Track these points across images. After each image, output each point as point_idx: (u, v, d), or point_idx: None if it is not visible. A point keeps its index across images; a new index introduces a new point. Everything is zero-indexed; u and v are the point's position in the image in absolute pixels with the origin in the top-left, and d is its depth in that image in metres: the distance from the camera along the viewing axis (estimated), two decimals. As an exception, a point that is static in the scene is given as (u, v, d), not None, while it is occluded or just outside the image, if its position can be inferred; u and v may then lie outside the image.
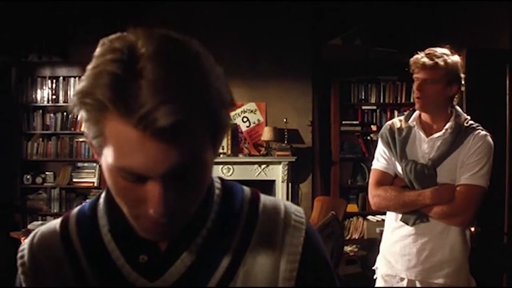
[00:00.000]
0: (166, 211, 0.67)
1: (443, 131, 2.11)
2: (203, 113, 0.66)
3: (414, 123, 2.18)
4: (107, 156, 0.67)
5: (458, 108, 2.16)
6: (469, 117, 2.16)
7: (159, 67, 0.64)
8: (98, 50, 0.68)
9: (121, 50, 0.66)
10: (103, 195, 0.83)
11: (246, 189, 0.88)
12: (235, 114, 5.74)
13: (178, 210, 0.69)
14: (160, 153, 0.65)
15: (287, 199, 5.65)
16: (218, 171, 5.59)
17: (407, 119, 2.22)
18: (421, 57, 2.09)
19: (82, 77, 0.67)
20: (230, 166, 5.61)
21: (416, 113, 2.20)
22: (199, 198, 0.74)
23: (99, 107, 0.65)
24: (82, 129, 0.79)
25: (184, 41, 0.70)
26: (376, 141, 2.33)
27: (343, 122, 5.78)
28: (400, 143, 2.17)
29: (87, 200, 0.91)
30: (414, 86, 2.10)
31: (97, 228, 0.79)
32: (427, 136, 2.15)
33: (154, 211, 0.67)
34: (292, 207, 0.88)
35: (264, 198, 0.87)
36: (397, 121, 2.26)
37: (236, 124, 5.74)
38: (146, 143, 0.64)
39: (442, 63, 2.05)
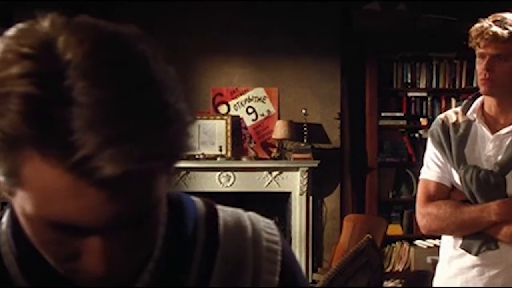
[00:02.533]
0: (110, 269, 0.67)
1: (514, 125, 2.11)
2: (161, 151, 0.65)
3: (475, 115, 2.15)
4: (25, 202, 0.65)
5: None
6: None
7: (97, 85, 0.61)
8: None
9: (35, 57, 0.61)
10: (5, 218, 0.81)
11: (197, 201, 0.88)
12: (237, 103, 5.76)
13: (125, 263, 0.69)
14: (102, 202, 0.63)
15: (307, 218, 5.66)
16: (214, 181, 5.61)
17: (465, 110, 2.18)
18: (488, 25, 2.05)
19: None
20: (229, 174, 5.63)
21: (477, 102, 2.16)
22: (153, 244, 0.76)
23: (10, 141, 0.61)
24: None
25: (124, 38, 0.66)
26: (426, 140, 2.33)
27: (383, 115, 5.78)
28: (456, 143, 2.16)
29: None
30: (480, 65, 2.08)
31: None
32: (492, 133, 2.12)
33: (94, 270, 0.67)
34: (260, 221, 0.89)
35: (222, 212, 0.88)
36: (452, 113, 2.24)
37: (238, 116, 5.76)
38: (84, 190, 0.63)
39: None
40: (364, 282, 3.70)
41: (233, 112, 5.76)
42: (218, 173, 5.60)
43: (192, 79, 5.57)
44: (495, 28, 2.03)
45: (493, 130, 2.13)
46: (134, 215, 0.67)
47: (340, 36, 5.75)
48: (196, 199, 0.89)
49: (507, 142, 2.10)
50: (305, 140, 5.62)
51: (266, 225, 0.89)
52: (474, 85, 5.53)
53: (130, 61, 0.65)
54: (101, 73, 0.62)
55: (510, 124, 2.11)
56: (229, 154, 5.63)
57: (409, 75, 5.85)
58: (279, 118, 5.72)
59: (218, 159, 5.56)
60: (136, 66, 0.65)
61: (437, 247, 2.17)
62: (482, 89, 2.11)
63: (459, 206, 2.13)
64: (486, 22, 2.07)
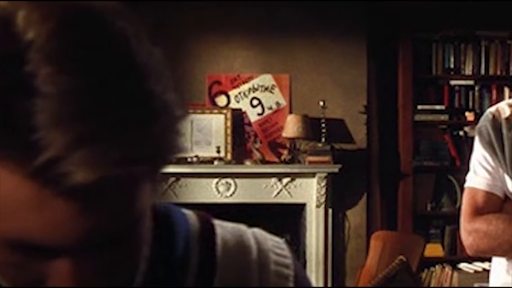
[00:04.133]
0: None
1: None
2: (145, 152, 0.65)
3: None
4: None
5: None
6: None
7: (65, 72, 0.61)
8: None
9: None
10: None
11: (190, 215, 0.88)
12: (239, 93, 5.76)
13: None
14: (71, 216, 0.63)
15: (326, 236, 5.66)
16: (210, 190, 5.61)
17: (521, 102, 2.20)
18: None
19: None
20: (229, 181, 5.63)
21: None
22: (135, 268, 0.76)
23: None
24: None
25: (99, 13, 0.65)
26: (473, 140, 2.33)
27: (419, 108, 5.78)
28: (510, 143, 2.17)
29: None
30: None
31: None
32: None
33: None
34: (267, 239, 0.89)
35: (221, 229, 0.88)
36: (505, 106, 2.24)
37: (240, 110, 5.76)
38: (49, 201, 0.63)
39: None
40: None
41: (234, 104, 5.77)
42: (216, 180, 5.61)
43: (183, 64, 5.58)
44: None
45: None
46: (111, 232, 0.66)
47: (366, 11, 5.75)
48: (188, 212, 0.88)
49: None
50: (323, 140, 5.62)
51: (275, 244, 0.89)
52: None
53: (106, 41, 0.64)
54: (70, 56, 0.61)
55: None
56: (229, 156, 5.64)
57: (452, 59, 5.85)
58: (290, 112, 5.73)
59: (216, 162, 5.57)
60: (113, 47, 0.65)
61: (486, 271, 2.17)
62: None
63: (514, 221, 2.13)
64: None
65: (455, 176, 5.70)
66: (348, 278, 5.74)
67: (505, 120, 2.21)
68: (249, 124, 5.77)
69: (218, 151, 5.60)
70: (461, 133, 5.84)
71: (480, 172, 2.23)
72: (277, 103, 5.78)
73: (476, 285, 5.29)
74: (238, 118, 5.74)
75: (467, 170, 2.28)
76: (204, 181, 5.61)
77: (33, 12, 0.63)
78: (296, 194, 5.67)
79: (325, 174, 5.59)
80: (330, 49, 5.74)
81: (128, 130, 0.62)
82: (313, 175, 5.61)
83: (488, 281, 2.33)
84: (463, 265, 5.69)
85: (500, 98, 5.64)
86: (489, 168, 2.21)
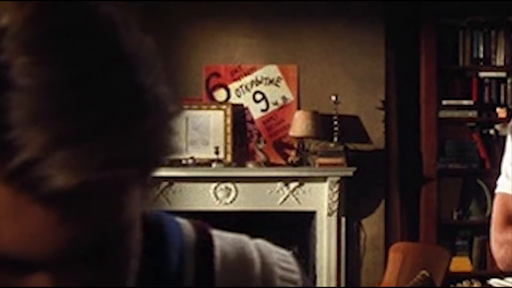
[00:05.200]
0: None
1: None
2: (134, 154, 0.65)
3: None
4: None
5: None
6: None
7: (44, 62, 0.61)
8: None
9: None
10: None
11: (184, 224, 0.88)
12: (241, 87, 5.76)
13: None
14: (51, 226, 0.64)
15: (338, 248, 5.66)
16: (208, 195, 5.61)
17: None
18: None
19: None
20: (230, 186, 5.64)
21: None
22: (122, 284, 0.76)
23: None
24: None
25: None
26: (505, 139, 2.33)
27: (444, 103, 5.78)
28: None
29: None
30: None
31: None
32: None
33: None
34: (272, 252, 0.89)
35: (220, 240, 0.88)
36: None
37: (241, 106, 5.77)
38: (25, 209, 0.63)
39: None
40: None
41: (234, 99, 5.78)
42: (214, 184, 5.62)
43: (177, 54, 5.58)
44: None
45: None
46: (95, 244, 0.66)
47: (384, -7, 5.75)
48: (182, 221, 0.88)
49: None
50: (335, 139, 5.63)
51: (280, 257, 0.89)
52: None
53: (90, 28, 0.64)
54: (49, 45, 0.61)
55: None
56: (228, 158, 5.65)
57: (481, 48, 5.85)
58: (299, 108, 5.74)
59: (214, 165, 5.58)
60: (98, 35, 0.64)
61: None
62: None
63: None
64: None
65: (485, 180, 5.70)
66: (364, 295, 5.75)
67: (542, 117, 2.21)
68: (252, 121, 5.78)
69: (217, 152, 5.60)
70: (491, 131, 5.83)
71: (512, 176, 2.23)
72: (284, 98, 5.79)
73: (508, 303, 5.29)
74: (239, 114, 5.74)
75: (498, 173, 2.28)
76: (200, 186, 5.61)
77: None
78: (305, 200, 5.67)
79: (337, 178, 5.59)
80: (343, 36, 5.74)
81: (115, 128, 0.62)
82: (324, 179, 5.62)
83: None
84: (493, 281, 5.67)
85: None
86: (523, 171, 2.22)
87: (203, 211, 5.42)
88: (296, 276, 0.88)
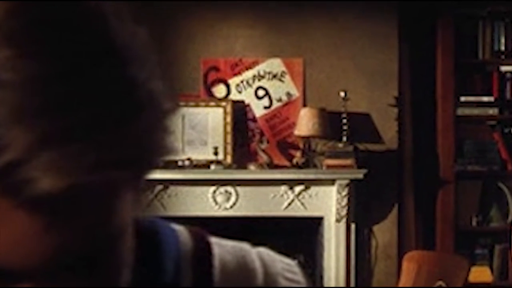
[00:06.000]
0: None
1: None
2: (126, 155, 0.65)
3: None
4: None
5: None
6: None
7: (28, 56, 0.61)
8: None
9: None
10: None
11: (181, 231, 0.88)
12: (241, 82, 5.77)
13: None
14: (36, 233, 0.64)
15: (347, 257, 5.66)
16: (206, 200, 5.62)
17: None
18: None
19: None
20: (230, 190, 5.64)
21: None
22: None
23: None
24: None
25: None
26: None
27: (462, 99, 5.78)
28: None
29: None
30: None
31: None
32: None
33: None
34: (276, 261, 0.90)
35: (219, 248, 0.88)
36: None
37: (243, 102, 5.77)
38: (8, 214, 0.63)
39: None
40: None
41: (235, 95, 5.78)
42: (213, 188, 5.63)
43: (173, 46, 5.59)
44: None
45: None
46: (84, 253, 0.67)
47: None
48: (179, 228, 0.89)
49: None
50: (344, 139, 5.63)
51: (285, 267, 0.89)
52: None
53: (78, 19, 0.64)
54: (34, 37, 0.62)
55: None
56: (228, 159, 5.65)
57: (503, 40, 5.85)
58: (304, 105, 5.74)
59: (213, 167, 5.58)
60: (87, 26, 0.65)
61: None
62: None
63: None
64: None
65: (507, 183, 5.70)
66: (375, 308, 5.76)
67: None
68: (254, 119, 5.78)
69: (216, 153, 5.61)
70: (514, 130, 5.84)
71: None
72: (288, 94, 5.79)
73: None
74: (240, 112, 5.75)
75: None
76: (198, 189, 5.62)
77: None
78: (311, 205, 5.68)
79: (346, 181, 5.60)
80: (353, 27, 5.75)
81: (105, 127, 0.63)
82: (332, 182, 5.62)
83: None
84: (516, 293, 5.68)
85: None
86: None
87: (200, 217, 5.42)
88: (302, 286, 0.88)
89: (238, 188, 5.64)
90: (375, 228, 5.78)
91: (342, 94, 5.59)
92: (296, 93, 5.79)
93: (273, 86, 5.79)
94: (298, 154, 5.72)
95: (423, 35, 5.79)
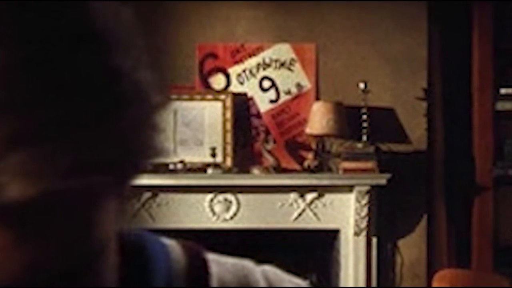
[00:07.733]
0: None
1: None
2: (108, 157, 0.65)
3: None
4: None
5: None
6: None
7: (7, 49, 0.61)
8: None
9: None
10: None
11: (172, 246, 0.89)
12: (244, 71, 5.79)
13: None
14: (5, 247, 0.64)
15: (368, 275, 5.67)
16: (202, 210, 5.63)
17: None
18: None
19: None
20: (230, 198, 5.65)
21: None
22: None
23: None
24: None
25: None
26: None
27: (502, 92, 5.79)
28: None
29: None
30: None
31: None
32: None
33: None
34: (284, 281, 0.91)
35: (217, 266, 0.89)
36: None
37: (245, 95, 5.78)
38: None
39: None
40: None
41: (236, 87, 5.80)
42: (210, 196, 5.65)
43: (164, 30, 5.60)
44: None
45: None
46: (59, 271, 0.67)
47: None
48: (170, 243, 0.89)
49: None
50: (364, 138, 5.64)
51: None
52: None
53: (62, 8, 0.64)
54: (4, 20, 0.62)
55: None
56: (228, 162, 5.67)
57: (551, 22, 5.86)
58: (317, 99, 5.76)
59: (210, 171, 5.60)
60: (63, 7, 0.65)
61: None
62: None
63: None
64: None
65: (555, 190, 5.70)
66: (401, 337, 5.77)
67: None
68: (258, 115, 5.80)
69: (214, 155, 5.62)
70: None
71: None
72: (298, 85, 5.81)
73: None
74: (242, 107, 5.77)
75: None
76: (193, 197, 5.63)
77: None
78: (326, 216, 5.69)
79: (367, 188, 5.61)
80: (374, 8, 5.76)
81: (84, 124, 0.63)
82: (350, 189, 5.64)
83: None
84: None
85: None
86: None
87: (196, 230, 5.44)
88: None
89: (240, 196, 5.66)
90: (400, 242, 5.79)
91: (362, 85, 5.61)
92: (307, 84, 5.81)
93: (281, 76, 5.80)
94: (310, 156, 5.73)
95: (456, 16, 5.80)
